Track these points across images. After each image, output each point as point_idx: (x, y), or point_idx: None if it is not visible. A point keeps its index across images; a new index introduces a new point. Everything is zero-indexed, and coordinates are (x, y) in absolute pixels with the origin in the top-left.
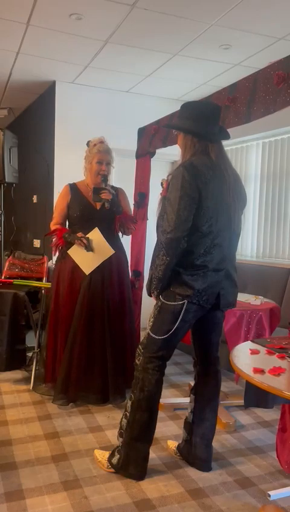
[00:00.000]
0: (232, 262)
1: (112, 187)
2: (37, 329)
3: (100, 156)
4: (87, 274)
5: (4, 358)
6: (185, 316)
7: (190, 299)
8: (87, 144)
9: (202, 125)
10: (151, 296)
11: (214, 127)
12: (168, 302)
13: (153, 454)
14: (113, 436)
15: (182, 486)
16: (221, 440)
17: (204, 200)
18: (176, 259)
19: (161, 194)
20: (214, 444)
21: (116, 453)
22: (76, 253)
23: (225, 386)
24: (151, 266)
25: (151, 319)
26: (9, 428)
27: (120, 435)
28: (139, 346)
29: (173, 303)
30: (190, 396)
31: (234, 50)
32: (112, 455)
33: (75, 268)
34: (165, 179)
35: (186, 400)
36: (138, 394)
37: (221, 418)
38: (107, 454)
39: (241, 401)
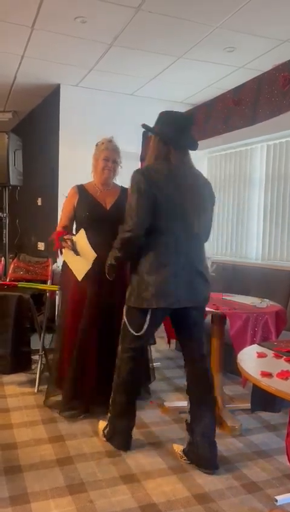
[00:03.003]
0: (195, 263)
1: (121, 188)
2: (41, 332)
3: (107, 153)
4: (79, 280)
5: (9, 361)
6: (150, 317)
7: (151, 303)
8: (97, 145)
9: (169, 130)
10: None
11: (182, 136)
12: (133, 306)
13: (159, 458)
14: None
15: (188, 491)
16: (227, 444)
17: (159, 203)
18: (128, 256)
19: None
20: (220, 447)
21: (107, 426)
22: (68, 257)
23: (231, 389)
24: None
25: (126, 307)
26: (14, 431)
27: (109, 411)
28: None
29: (137, 306)
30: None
31: (238, 52)
32: (105, 427)
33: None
34: None
35: None
36: (116, 379)
37: (227, 422)
38: (105, 426)
39: (247, 405)
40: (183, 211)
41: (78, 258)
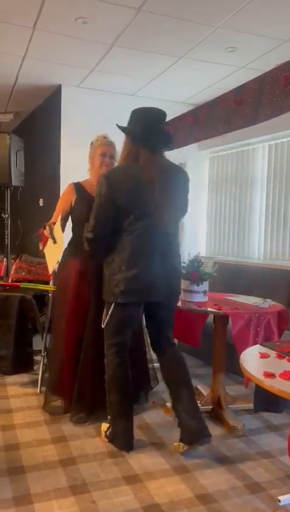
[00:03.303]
0: (167, 257)
1: None
2: (43, 333)
3: (103, 149)
4: (50, 272)
5: (11, 362)
6: (121, 311)
7: (119, 298)
8: (92, 144)
9: (138, 129)
10: None
11: (151, 133)
12: (107, 301)
13: (161, 458)
14: None
15: (191, 491)
16: (230, 444)
17: (121, 204)
18: (96, 253)
19: None
20: (223, 448)
21: (109, 427)
22: (47, 249)
23: (233, 390)
24: None
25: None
26: (17, 432)
27: (108, 413)
28: None
29: (108, 301)
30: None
31: (240, 52)
32: (107, 428)
33: (81, 275)
34: None
35: None
36: (106, 378)
37: (229, 422)
38: (107, 427)
39: (249, 405)
40: (150, 209)
41: (54, 246)
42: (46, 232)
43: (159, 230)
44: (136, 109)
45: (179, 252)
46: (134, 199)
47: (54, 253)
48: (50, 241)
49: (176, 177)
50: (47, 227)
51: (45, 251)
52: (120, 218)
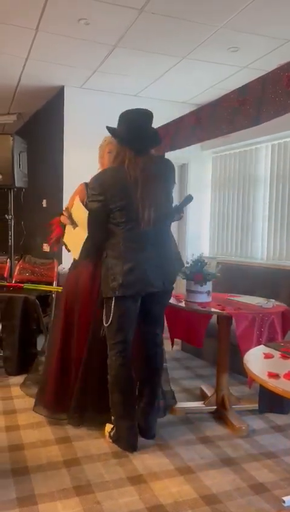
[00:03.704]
0: (159, 250)
1: None
2: (47, 333)
3: (111, 146)
4: (77, 258)
5: (15, 363)
6: (121, 306)
7: (118, 291)
8: (100, 146)
9: (124, 131)
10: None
11: (136, 135)
12: (105, 297)
13: (166, 459)
14: None
15: (195, 492)
16: (234, 445)
17: (114, 203)
18: (89, 253)
19: None
20: (227, 449)
21: (113, 428)
22: (68, 237)
23: (237, 390)
24: None
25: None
26: (21, 432)
27: (111, 413)
28: None
29: (107, 296)
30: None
31: (242, 52)
32: (111, 429)
33: (93, 277)
34: None
35: (198, 403)
36: (109, 379)
37: (233, 423)
38: (111, 428)
39: (253, 406)
40: (137, 208)
41: (75, 232)
42: (64, 218)
43: (148, 226)
44: (123, 111)
45: (172, 244)
46: (123, 199)
47: (77, 238)
48: (68, 228)
49: (161, 174)
50: (64, 212)
51: (65, 240)
52: (112, 216)
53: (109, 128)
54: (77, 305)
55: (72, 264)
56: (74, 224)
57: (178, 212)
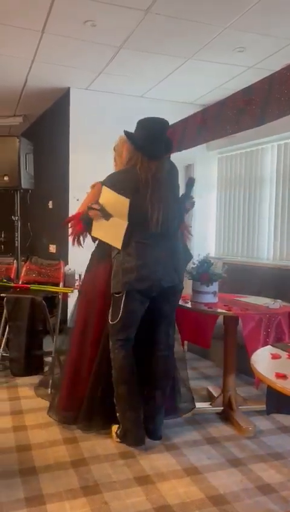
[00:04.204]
0: (165, 254)
1: None
2: (54, 335)
3: (127, 146)
4: (119, 248)
5: (22, 364)
6: (131, 301)
7: (129, 286)
8: (115, 149)
9: (140, 138)
10: None
11: (151, 142)
12: (115, 292)
13: (173, 459)
14: None
15: (203, 493)
16: (241, 446)
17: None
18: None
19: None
20: (234, 449)
21: (119, 426)
22: (99, 230)
23: (244, 391)
24: None
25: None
26: (29, 433)
27: (116, 410)
28: None
29: (117, 291)
30: None
31: (248, 53)
32: (118, 428)
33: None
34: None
35: (205, 404)
36: (113, 373)
37: (240, 423)
38: (117, 427)
39: (260, 406)
40: (145, 211)
41: (110, 220)
42: (94, 212)
43: (156, 229)
44: (142, 119)
45: (180, 244)
46: (133, 199)
47: (115, 228)
48: (100, 221)
49: (170, 179)
50: (94, 206)
51: (94, 235)
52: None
53: (126, 133)
54: (94, 309)
55: (88, 266)
56: (108, 215)
57: (188, 199)
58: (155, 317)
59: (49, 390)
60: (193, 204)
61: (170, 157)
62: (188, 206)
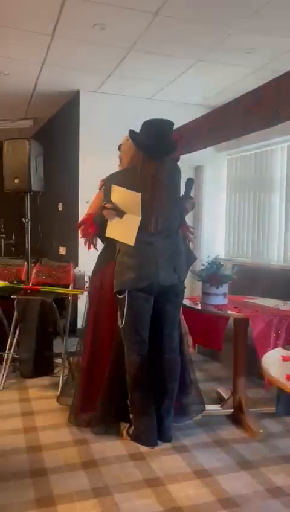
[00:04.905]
0: (164, 254)
1: None
2: (64, 336)
3: (130, 145)
4: (132, 244)
5: (32, 365)
6: (135, 301)
7: (130, 284)
8: (119, 148)
9: (144, 138)
10: None
11: (155, 143)
12: (117, 292)
13: (183, 461)
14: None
15: (213, 495)
16: (251, 448)
17: None
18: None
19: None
20: (244, 452)
21: (131, 425)
22: (114, 229)
23: (254, 393)
24: None
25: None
26: (39, 434)
27: (130, 412)
28: None
29: (120, 290)
30: None
31: (257, 54)
32: (129, 427)
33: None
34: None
35: (215, 406)
36: (128, 379)
37: (251, 426)
38: (127, 426)
39: (270, 409)
40: (144, 211)
41: (124, 218)
42: (108, 212)
43: (155, 229)
44: (147, 120)
45: (180, 244)
46: None
47: (129, 224)
48: (112, 222)
49: (171, 182)
50: (108, 205)
51: (109, 235)
52: None
53: (130, 132)
54: (103, 311)
55: (94, 267)
56: (122, 213)
57: (187, 200)
58: (158, 319)
59: (58, 392)
60: (192, 204)
61: (178, 160)
62: (187, 207)
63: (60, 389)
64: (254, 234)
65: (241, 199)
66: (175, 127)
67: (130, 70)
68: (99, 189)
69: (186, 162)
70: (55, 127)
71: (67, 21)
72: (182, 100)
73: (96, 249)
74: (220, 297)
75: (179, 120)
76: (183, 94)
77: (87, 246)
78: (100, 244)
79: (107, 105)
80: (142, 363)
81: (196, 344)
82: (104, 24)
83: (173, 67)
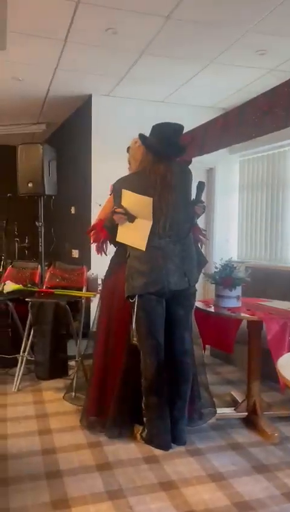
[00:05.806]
0: (173, 257)
1: None
2: (77, 339)
3: (141, 148)
4: (144, 249)
5: (47, 367)
6: (146, 304)
7: (140, 289)
8: (128, 150)
9: (153, 141)
10: None
11: (164, 146)
12: (129, 296)
13: (197, 465)
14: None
15: (228, 499)
16: (266, 452)
17: None
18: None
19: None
20: (259, 455)
21: (145, 428)
22: (124, 234)
23: (268, 396)
24: None
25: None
26: (53, 436)
27: (144, 415)
28: None
29: (131, 294)
30: None
31: (270, 55)
32: (142, 430)
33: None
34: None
35: (229, 409)
36: (143, 383)
37: (265, 429)
38: (141, 429)
39: (286, 412)
40: (154, 212)
41: (135, 223)
42: (118, 216)
43: (164, 232)
44: (156, 124)
45: (191, 248)
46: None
47: (140, 229)
48: (123, 227)
49: (180, 184)
50: (118, 210)
51: (120, 239)
52: None
53: (140, 136)
54: (116, 314)
55: (107, 271)
56: (133, 217)
57: (197, 204)
58: (170, 322)
59: (73, 394)
60: (203, 208)
61: (190, 162)
62: (198, 211)
63: (72, 388)
64: (267, 236)
65: (254, 201)
66: (188, 129)
67: (142, 74)
68: (110, 194)
69: (199, 164)
70: (68, 131)
71: (80, 26)
72: (195, 103)
73: (106, 254)
74: (233, 300)
75: (191, 122)
76: (195, 96)
77: (97, 251)
78: (110, 250)
79: (119, 109)
80: (158, 368)
81: (207, 346)
82: (116, 28)
83: (185, 70)
